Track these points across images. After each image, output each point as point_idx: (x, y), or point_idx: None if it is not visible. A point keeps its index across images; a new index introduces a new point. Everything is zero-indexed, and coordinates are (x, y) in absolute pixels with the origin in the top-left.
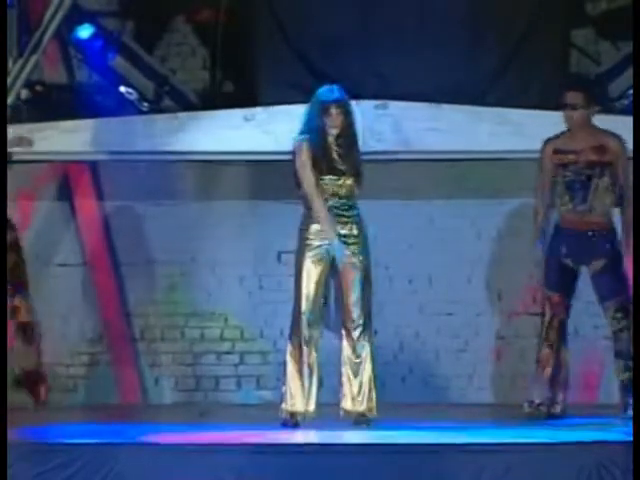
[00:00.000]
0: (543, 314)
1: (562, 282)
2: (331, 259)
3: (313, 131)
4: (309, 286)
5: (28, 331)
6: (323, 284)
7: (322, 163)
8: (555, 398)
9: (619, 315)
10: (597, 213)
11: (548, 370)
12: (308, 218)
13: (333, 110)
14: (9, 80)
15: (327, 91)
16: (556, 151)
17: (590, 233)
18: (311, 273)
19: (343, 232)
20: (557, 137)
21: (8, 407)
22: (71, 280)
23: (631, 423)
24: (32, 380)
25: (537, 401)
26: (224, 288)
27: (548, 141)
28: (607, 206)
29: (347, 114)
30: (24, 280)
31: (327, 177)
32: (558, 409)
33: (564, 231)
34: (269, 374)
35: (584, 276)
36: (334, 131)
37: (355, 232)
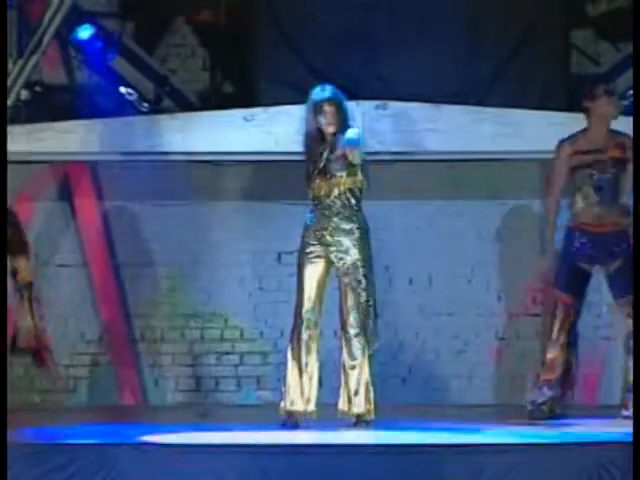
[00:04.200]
0: (553, 315)
1: (575, 284)
2: (331, 260)
3: (311, 132)
4: (310, 286)
5: (26, 292)
6: (324, 285)
7: (321, 162)
8: (557, 398)
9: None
10: (620, 211)
11: (557, 372)
12: (311, 218)
13: (327, 108)
14: (9, 81)
15: (319, 90)
16: (576, 152)
17: (612, 232)
18: (312, 273)
19: (342, 228)
20: (573, 137)
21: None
22: (71, 281)
23: (631, 423)
24: (34, 346)
25: (539, 401)
26: (224, 289)
27: (564, 142)
28: (625, 204)
29: (341, 111)
30: (22, 241)
31: (326, 175)
32: (559, 409)
33: (583, 232)
34: (269, 374)
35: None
36: (331, 129)
37: (356, 232)
